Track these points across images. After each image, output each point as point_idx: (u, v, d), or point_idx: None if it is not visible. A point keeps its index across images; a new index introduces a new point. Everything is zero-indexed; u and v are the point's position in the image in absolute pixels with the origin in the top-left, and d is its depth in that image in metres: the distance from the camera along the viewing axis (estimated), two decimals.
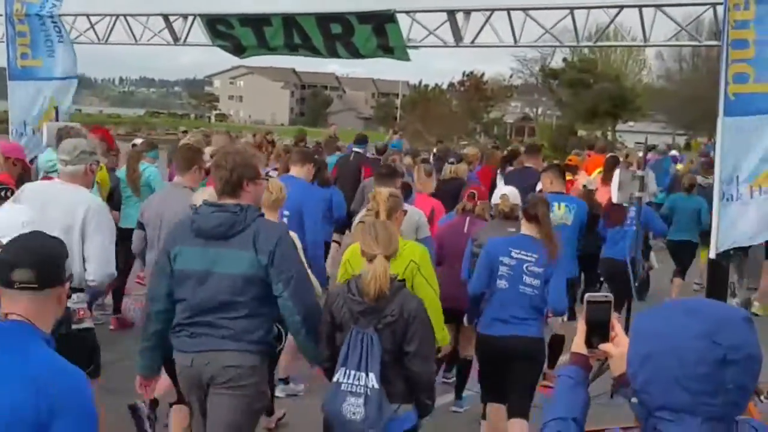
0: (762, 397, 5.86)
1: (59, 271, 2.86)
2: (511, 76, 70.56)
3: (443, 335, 5.60)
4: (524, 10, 9.61)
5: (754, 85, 6.62)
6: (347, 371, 4.36)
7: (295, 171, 8.04)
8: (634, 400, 2.15)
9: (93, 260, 4.98)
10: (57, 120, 11.20)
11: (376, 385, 4.27)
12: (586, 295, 2.53)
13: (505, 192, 7.04)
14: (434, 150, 20.47)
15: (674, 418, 2.04)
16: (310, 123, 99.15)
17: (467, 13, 9.93)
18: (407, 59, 10.27)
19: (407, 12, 10.19)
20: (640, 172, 8.37)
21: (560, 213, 8.05)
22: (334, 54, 10.52)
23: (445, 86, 63.23)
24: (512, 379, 5.93)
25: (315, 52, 10.62)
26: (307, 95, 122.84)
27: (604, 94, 60.00)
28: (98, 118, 60.44)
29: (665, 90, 73.68)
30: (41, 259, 2.79)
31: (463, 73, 60.35)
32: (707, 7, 8.01)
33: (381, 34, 9.93)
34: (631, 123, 70.07)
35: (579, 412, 2.45)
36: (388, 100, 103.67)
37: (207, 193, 5.30)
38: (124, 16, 12.14)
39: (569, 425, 2.41)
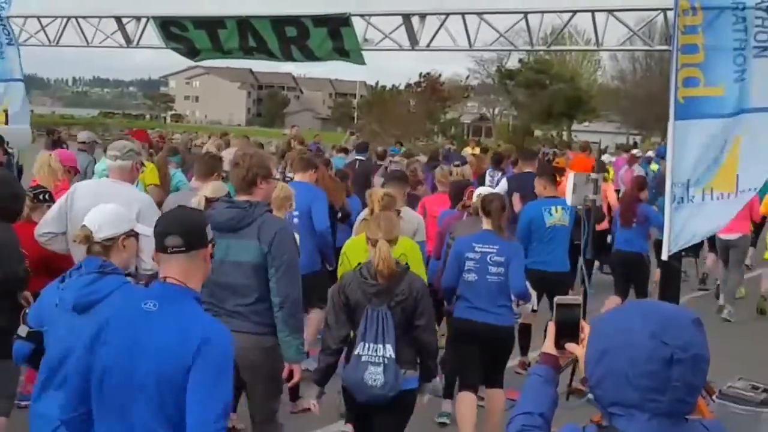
0: (714, 397, 5.93)
1: (202, 235, 3.34)
2: (467, 77, 70.90)
3: None
4: (479, 14, 9.66)
5: (704, 89, 6.71)
6: (366, 344, 4.94)
7: (299, 177, 8.44)
8: (590, 396, 2.27)
9: (148, 252, 5.03)
10: (7, 123, 11.02)
11: (393, 355, 4.90)
12: (556, 298, 2.60)
13: (481, 191, 7.51)
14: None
15: (625, 413, 2.14)
16: (268, 123, 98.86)
17: (422, 16, 9.97)
18: (362, 63, 10.27)
19: (363, 15, 10.20)
20: (594, 175, 8.44)
21: (558, 215, 8.63)
22: (289, 57, 10.48)
23: (402, 87, 63.25)
24: (486, 360, 6.52)
25: (270, 55, 10.58)
26: (264, 96, 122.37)
27: (560, 95, 60.64)
28: (51, 119, 59.56)
29: (619, 90, 74.57)
30: (187, 227, 3.30)
31: (420, 74, 60.41)
32: (658, 12, 8.13)
33: (336, 37, 9.91)
34: (586, 123, 70.84)
35: (546, 408, 2.51)
36: (346, 101, 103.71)
37: (210, 189, 6.11)
38: (76, 18, 11.99)
39: (535, 419, 2.47)
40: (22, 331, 4.09)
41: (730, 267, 11.75)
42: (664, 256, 7.15)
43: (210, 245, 3.40)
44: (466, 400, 6.46)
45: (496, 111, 76.68)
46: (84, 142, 11.53)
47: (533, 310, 8.06)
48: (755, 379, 7.15)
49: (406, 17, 9.91)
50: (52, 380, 3.84)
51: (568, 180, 8.45)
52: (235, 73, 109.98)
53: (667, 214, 6.95)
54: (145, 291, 3.52)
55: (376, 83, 64.75)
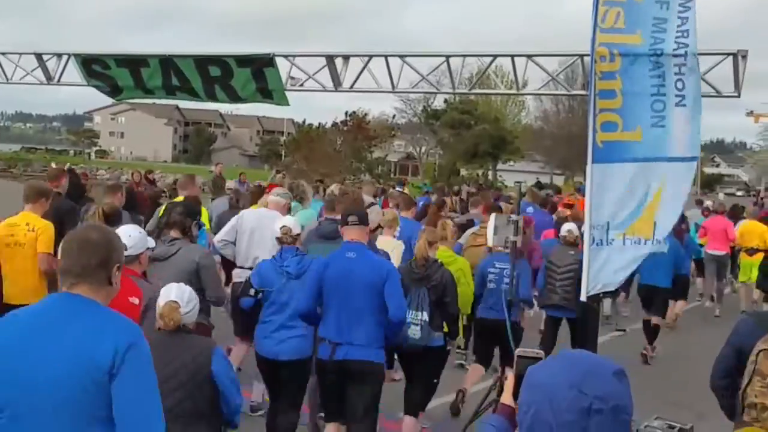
0: None
1: (366, 218, 6.40)
2: (394, 116, 71.49)
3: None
4: (401, 56, 9.74)
5: (621, 134, 6.81)
6: (410, 311, 6.92)
7: (403, 214, 9.96)
8: None
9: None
10: None
11: (427, 319, 7.05)
12: (517, 350, 2.62)
13: (570, 228, 9.86)
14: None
15: None
16: (194, 160, 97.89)
17: (346, 58, 10.02)
18: (286, 104, 10.25)
19: (286, 56, 10.20)
20: (514, 217, 8.50)
21: None
22: (213, 98, 10.42)
23: (329, 125, 63.40)
24: (500, 344, 8.52)
25: (193, 94, 10.49)
26: (191, 132, 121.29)
27: (485, 135, 61.50)
28: None
29: (543, 131, 76.05)
30: (361, 212, 6.41)
31: (347, 113, 60.63)
32: (575, 58, 8.30)
33: (260, 77, 9.89)
34: (510, 162, 71.91)
35: None
36: (273, 138, 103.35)
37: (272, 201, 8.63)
38: None
39: None
40: (251, 291, 6.56)
41: (717, 276, 15.51)
42: (583, 297, 7.19)
43: (367, 226, 6.62)
44: (475, 368, 9.00)
45: (423, 150, 77.34)
46: None
47: None
48: (672, 419, 7.26)
49: (330, 58, 9.95)
50: (274, 312, 6.48)
51: (489, 221, 8.50)
52: (161, 109, 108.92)
53: (586, 255, 6.99)
54: (345, 248, 6.23)
55: (303, 121, 64.87)
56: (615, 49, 6.73)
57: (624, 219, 6.84)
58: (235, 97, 10.34)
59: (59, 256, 3.34)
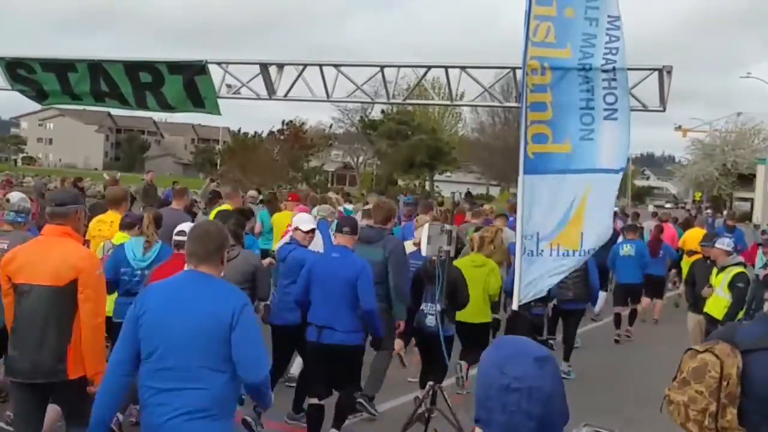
0: None
1: (356, 228, 7.71)
2: (331, 126, 71.43)
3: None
4: (336, 65, 9.73)
5: (551, 146, 6.89)
6: (427, 303, 8.45)
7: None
8: None
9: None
10: None
11: (440, 309, 8.13)
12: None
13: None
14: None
15: (481, 429, 2.57)
16: (126, 168, 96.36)
17: (280, 66, 9.96)
18: (218, 113, 10.12)
19: (220, 63, 10.10)
20: (448, 227, 8.54)
21: None
22: (143, 105, 10.22)
23: (265, 134, 63.06)
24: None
25: (123, 101, 10.28)
26: (123, 139, 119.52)
27: (422, 146, 61.83)
28: None
29: (479, 142, 76.79)
30: (353, 223, 7.75)
31: (283, 122, 60.42)
32: (508, 70, 8.38)
33: (192, 85, 9.75)
34: (447, 173, 72.42)
35: None
36: (209, 147, 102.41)
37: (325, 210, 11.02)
38: None
39: None
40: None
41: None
42: (515, 306, 7.25)
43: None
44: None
45: (360, 160, 77.42)
46: None
47: None
48: (600, 424, 7.34)
49: (264, 66, 9.88)
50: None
51: (424, 231, 8.55)
52: (91, 115, 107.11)
53: (518, 266, 7.05)
54: (332, 249, 7.77)
55: (239, 129, 64.32)
56: (546, 63, 6.80)
57: (552, 230, 6.90)
58: (165, 105, 10.16)
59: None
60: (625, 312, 14.64)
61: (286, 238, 8.95)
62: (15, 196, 8.60)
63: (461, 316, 9.04)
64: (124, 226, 8.28)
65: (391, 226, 9.70)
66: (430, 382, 8.27)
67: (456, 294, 8.41)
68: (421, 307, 8.53)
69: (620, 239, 15.09)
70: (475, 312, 9.32)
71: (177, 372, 4.32)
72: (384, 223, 9.12)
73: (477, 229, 11.36)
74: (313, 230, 8.46)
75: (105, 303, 5.84)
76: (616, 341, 14.05)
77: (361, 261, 7.65)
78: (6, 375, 5.70)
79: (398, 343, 8.82)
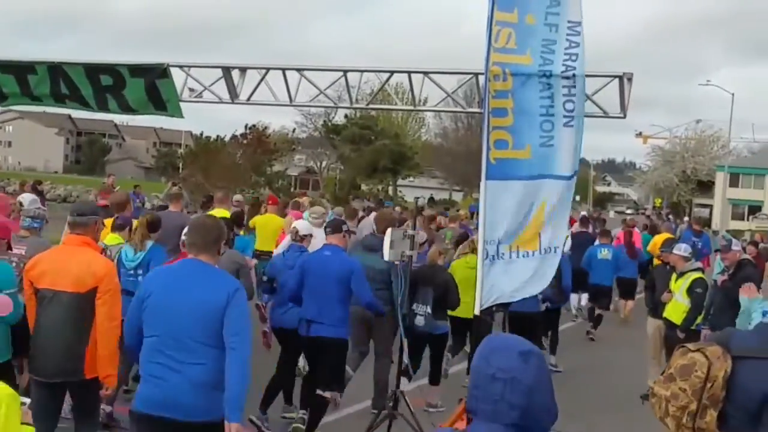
0: None
1: (341, 227, 8.38)
2: (294, 130, 71.16)
3: None
4: (298, 69, 9.71)
5: (512, 152, 6.94)
6: (417, 304, 9.10)
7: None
8: None
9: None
10: None
11: (429, 311, 9.08)
12: None
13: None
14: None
15: (471, 415, 2.86)
16: (87, 171, 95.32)
17: (243, 70, 9.93)
18: (180, 116, 10.06)
19: (182, 66, 10.04)
20: (410, 231, 8.57)
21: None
22: (104, 107, 10.12)
23: (228, 138, 62.59)
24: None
25: (84, 104, 10.18)
26: (84, 142, 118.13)
27: (385, 151, 61.87)
28: None
29: (442, 147, 77.02)
30: (334, 223, 8.57)
31: (246, 126, 60.05)
32: (471, 76, 8.42)
33: (153, 88, 9.67)
34: (410, 178, 72.54)
35: None
36: (171, 150, 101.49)
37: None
38: None
39: None
40: (266, 279, 8.76)
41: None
42: (476, 311, 7.28)
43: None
44: None
45: (323, 164, 77.21)
46: None
47: None
48: (563, 430, 7.39)
49: (226, 70, 9.84)
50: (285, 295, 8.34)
51: (386, 236, 8.56)
52: (51, 118, 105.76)
53: (480, 270, 7.08)
54: (324, 248, 8.10)
55: (201, 133, 63.74)
56: (507, 69, 6.84)
57: (512, 234, 6.95)
58: (127, 108, 10.08)
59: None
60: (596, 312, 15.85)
61: (285, 244, 9.55)
62: (27, 198, 9.19)
63: (458, 312, 9.84)
64: (116, 227, 8.58)
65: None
66: (393, 389, 8.30)
67: (447, 296, 9.40)
68: (412, 307, 9.05)
69: (597, 243, 16.42)
70: (469, 308, 9.26)
71: (178, 348, 4.92)
72: (383, 232, 9.04)
73: (462, 237, 12.39)
74: (311, 235, 9.03)
75: (120, 307, 6.09)
76: (592, 339, 15.17)
77: (352, 259, 8.40)
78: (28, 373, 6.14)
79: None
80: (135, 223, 8.29)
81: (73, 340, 5.84)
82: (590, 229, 18.88)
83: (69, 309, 5.81)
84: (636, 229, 20.15)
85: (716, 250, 16.52)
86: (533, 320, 10.67)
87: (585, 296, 16.52)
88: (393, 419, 7.99)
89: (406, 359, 8.34)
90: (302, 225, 9.14)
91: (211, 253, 5.13)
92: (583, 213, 24.94)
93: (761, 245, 18.38)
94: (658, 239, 16.73)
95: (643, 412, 6.63)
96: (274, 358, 8.75)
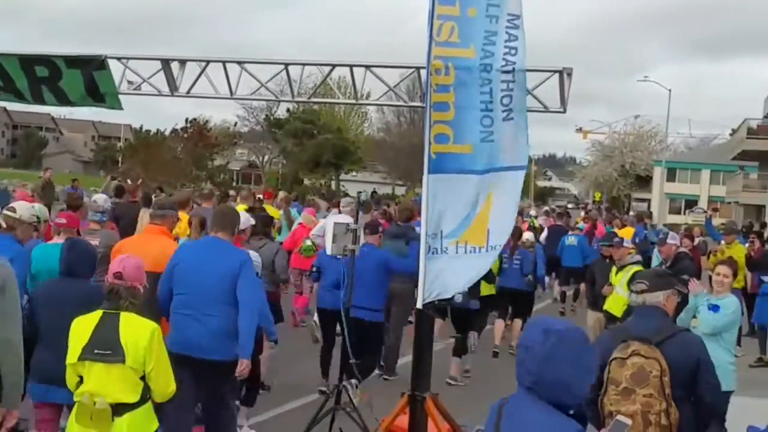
0: None
1: (379, 227, 10.57)
2: (236, 124, 70.66)
3: None
4: (239, 62, 9.61)
5: (453, 146, 6.91)
6: None
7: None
8: None
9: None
10: None
11: (465, 289, 8.77)
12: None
13: (528, 236, 14.65)
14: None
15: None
16: (23, 165, 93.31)
17: (182, 62, 9.79)
18: (119, 108, 9.89)
19: (120, 58, 9.86)
20: (353, 226, 8.56)
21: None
22: (40, 99, 9.90)
23: (168, 131, 61.94)
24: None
25: (19, 96, 9.95)
26: (20, 136, 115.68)
27: (327, 145, 61.78)
28: None
29: (385, 142, 77.14)
30: (375, 225, 10.54)
31: (186, 120, 59.47)
32: (412, 70, 8.42)
33: (91, 80, 9.49)
34: (353, 173, 72.52)
35: None
36: (110, 144, 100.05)
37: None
38: None
39: None
40: (315, 269, 10.32)
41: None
42: (419, 305, 7.27)
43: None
44: (499, 323, 13.61)
45: (266, 159, 76.80)
46: None
47: None
48: None
49: (165, 62, 9.70)
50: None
51: (328, 230, 8.55)
52: None
53: (422, 264, 7.07)
54: (364, 246, 9.14)
55: (141, 127, 63.05)
56: (450, 63, 6.82)
57: (456, 228, 6.93)
58: (64, 100, 9.88)
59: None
60: (570, 291, 18.98)
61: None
62: (101, 198, 10.42)
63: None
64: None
65: (413, 222, 11.60)
66: (335, 383, 8.30)
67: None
68: None
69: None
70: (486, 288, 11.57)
71: (199, 304, 6.47)
72: (407, 221, 11.86)
73: None
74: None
75: None
76: (562, 313, 17.46)
77: (383, 251, 10.15)
78: None
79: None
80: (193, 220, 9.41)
81: (151, 312, 6.22)
82: (564, 222, 22.26)
83: (149, 286, 6.02)
84: (600, 223, 24.17)
85: (652, 243, 16.90)
86: (525, 296, 13.71)
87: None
88: (336, 412, 7.99)
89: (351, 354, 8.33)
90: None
91: (228, 233, 6.80)
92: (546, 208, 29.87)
93: (698, 239, 18.81)
94: (622, 234, 18.14)
95: None
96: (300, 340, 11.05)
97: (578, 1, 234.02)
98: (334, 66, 9.29)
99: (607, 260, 11.67)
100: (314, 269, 10.41)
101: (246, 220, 9.04)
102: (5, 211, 7.30)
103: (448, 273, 7.05)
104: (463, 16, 6.68)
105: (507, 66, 6.81)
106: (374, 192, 49.95)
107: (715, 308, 7.61)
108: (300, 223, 15.01)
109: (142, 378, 4.98)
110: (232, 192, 21.98)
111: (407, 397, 6.44)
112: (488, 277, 11.08)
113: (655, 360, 4.88)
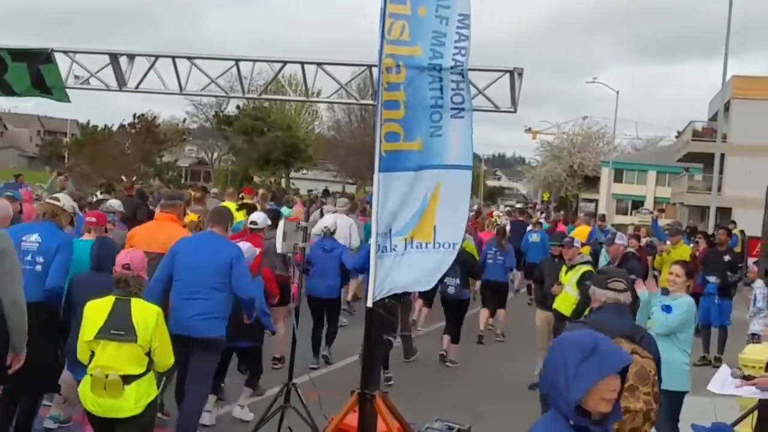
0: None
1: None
2: (185, 121, 69.96)
3: None
4: (189, 58, 9.52)
5: (403, 144, 6.93)
6: (449, 278, 11.99)
7: None
8: None
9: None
10: None
11: (458, 282, 12.35)
12: None
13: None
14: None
15: None
16: None
17: (131, 57, 9.67)
18: (67, 101, 9.75)
19: (67, 52, 9.71)
20: (303, 223, 8.55)
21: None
22: None
23: (116, 127, 61.06)
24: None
25: None
26: None
27: (277, 142, 61.41)
28: None
29: (336, 140, 76.97)
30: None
31: (134, 115, 58.69)
32: (364, 68, 8.42)
33: (37, 74, 9.34)
34: (303, 171, 72.24)
35: None
36: (56, 139, 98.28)
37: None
38: None
39: None
40: (307, 261, 10.52)
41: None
42: (369, 303, 7.27)
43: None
44: (484, 312, 15.10)
45: (215, 156, 76.15)
46: None
47: None
48: (452, 420, 7.50)
49: (114, 57, 9.57)
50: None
51: (279, 228, 8.51)
52: None
53: (372, 262, 7.07)
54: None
55: (88, 122, 62.04)
56: (400, 61, 6.83)
57: (405, 225, 6.95)
58: (9, 91, 9.71)
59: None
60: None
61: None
62: (115, 202, 11.29)
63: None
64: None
65: None
66: (285, 382, 8.27)
67: (473, 271, 13.20)
68: (444, 280, 11.95)
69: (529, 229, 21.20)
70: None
71: (194, 289, 7.36)
72: None
73: None
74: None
75: None
76: (530, 304, 18.17)
77: (343, 248, 12.22)
78: None
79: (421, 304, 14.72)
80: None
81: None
82: (525, 218, 25.30)
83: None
84: (560, 222, 26.29)
85: (600, 243, 17.13)
86: (506, 287, 15.68)
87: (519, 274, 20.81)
88: (285, 411, 7.96)
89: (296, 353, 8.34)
90: (330, 221, 12.71)
91: (221, 228, 7.77)
92: (520, 206, 32.50)
93: (644, 240, 19.11)
94: (577, 231, 20.30)
95: (529, 402, 6.80)
96: None
97: (529, 3, 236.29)
98: (285, 63, 9.25)
99: (557, 259, 11.78)
100: (308, 262, 10.88)
101: (264, 219, 10.40)
102: (49, 200, 8.12)
103: (396, 270, 7.06)
104: (413, 15, 6.71)
105: (457, 65, 6.86)
106: (326, 190, 49.88)
107: (668, 309, 7.71)
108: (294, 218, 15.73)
109: (147, 354, 5.93)
110: (215, 190, 23.28)
111: (357, 396, 6.44)
112: (473, 271, 13.09)
113: (651, 360, 4.99)
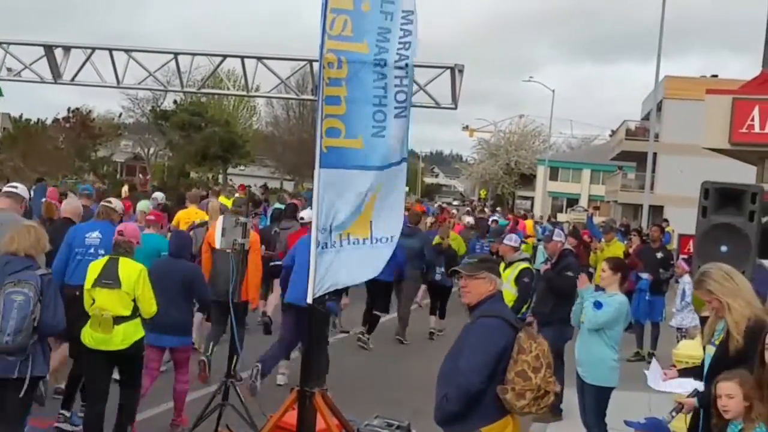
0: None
1: None
2: (120, 115, 68.87)
3: None
4: (126, 50, 9.37)
5: (344, 141, 6.91)
6: (438, 267, 14.69)
7: None
8: None
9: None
10: None
11: (443, 270, 14.29)
12: None
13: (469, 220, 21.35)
14: None
15: None
16: None
17: (66, 49, 9.49)
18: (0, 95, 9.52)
19: (0, 43, 9.49)
20: (243, 219, 8.48)
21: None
22: None
23: (49, 121, 59.77)
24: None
25: None
26: None
27: (215, 138, 60.81)
28: None
29: (274, 136, 76.57)
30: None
31: (68, 109, 57.55)
32: (305, 63, 8.38)
33: None
34: (241, 167, 71.73)
35: None
36: None
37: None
38: None
39: None
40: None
41: None
42: (309, 300, 7.24)
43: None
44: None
45: (151, 151, 75.14)
46: None
47: None
48: (390, 416, 7.52)
49: (49, 48, 9.38)
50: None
51: (218, 223, 8.44)
52: None
53: (313, 259, 7.05)
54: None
55: (20, 115, 60.57)
56: (343, 57, 6.80)
57: (343, 221, 6.94)
58: None
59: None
60: None
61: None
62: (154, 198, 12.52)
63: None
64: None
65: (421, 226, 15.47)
66: (224, 379, 8.20)
67: (454, 261, 13.69)
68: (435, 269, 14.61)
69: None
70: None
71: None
72: (415, 224, 14.85)
73: None
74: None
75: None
76: None
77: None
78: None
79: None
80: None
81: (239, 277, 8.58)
82: (486, 217, 26.76)
83: (234, 260, 8.31)
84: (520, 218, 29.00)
85: (538, 240, 17.35)
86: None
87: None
88: (223, 408, 7.90)
89: (239, 349, 8.28)
90: (306, 214, 12.02)
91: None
92: (457, 203, 33.18)
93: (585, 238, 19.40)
94: (529, 224, 22.95)
95: None
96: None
97: (470, 2, 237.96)
98: (225, 57, 9.16)
99: (495, 256, 11.88)
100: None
101: (309, 214, 10.41)
102: (104, 203, 9.11)
103: (336, 265, 7.05)
104: (356, 10, 6.69)
105: (401, 61, 6.85)
106: (265, 185, 49.58)
107: (598, 305, 7.86)
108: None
109: (134, 301, 7.39)
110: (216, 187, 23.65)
111: (296, 393, 6.41)
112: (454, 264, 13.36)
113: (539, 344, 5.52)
